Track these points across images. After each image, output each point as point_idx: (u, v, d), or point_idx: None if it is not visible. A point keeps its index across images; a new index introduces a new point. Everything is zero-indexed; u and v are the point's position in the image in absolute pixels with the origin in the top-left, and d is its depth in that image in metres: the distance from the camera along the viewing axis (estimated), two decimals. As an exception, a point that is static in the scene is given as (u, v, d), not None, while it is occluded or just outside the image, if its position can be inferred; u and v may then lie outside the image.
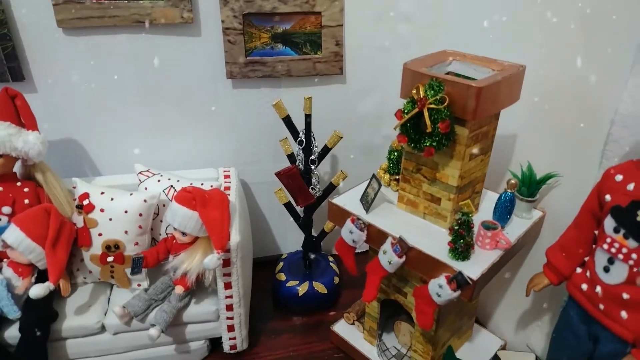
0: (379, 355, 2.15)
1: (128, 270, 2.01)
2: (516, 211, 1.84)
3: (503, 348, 2.21)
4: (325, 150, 2.23)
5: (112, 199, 2.00)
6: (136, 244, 2.03)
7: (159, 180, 2.16)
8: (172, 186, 2.13)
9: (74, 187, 2.08)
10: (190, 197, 1.93)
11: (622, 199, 1.33)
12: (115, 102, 2.26)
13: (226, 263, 1.95)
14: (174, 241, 2.03)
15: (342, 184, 2.29)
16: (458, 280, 1.54)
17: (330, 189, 2.34)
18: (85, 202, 1.99)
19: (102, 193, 2.02)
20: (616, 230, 1.33)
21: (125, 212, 1.98)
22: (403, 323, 2.14)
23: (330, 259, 2.72)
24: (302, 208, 2.42)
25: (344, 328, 2.33)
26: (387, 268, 1.73)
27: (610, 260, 1.35)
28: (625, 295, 1.32)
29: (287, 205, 2.41)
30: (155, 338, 1.91)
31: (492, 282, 2.24)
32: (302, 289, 2.48)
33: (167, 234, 2.13)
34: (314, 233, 2.53)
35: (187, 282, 1.96)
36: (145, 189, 2.13)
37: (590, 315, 1.43)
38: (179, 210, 1.91)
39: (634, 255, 1.29)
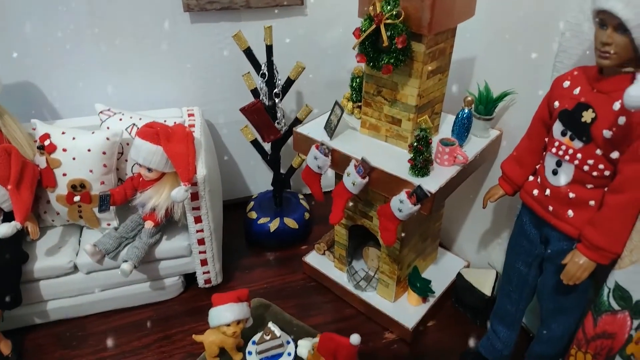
0: (349, 280, 2.24)
1: (96, 210, 2.02)
2: (474, 131, 1.90)
3: (467, 267, 2.33)
4: (289, 82, 2.23)
5: (74, 138, 1.98)
6: (102, 183, 2.03)
7: (120, 119, 2.13)
8: (134, 124, 2.11)
9: (34, 129, 2.04)
10: (153, 132, 1.92)
11: (569, 103, 1.39)
12: (69, 40, 2.18)
13: (194, 197, 1.97)
14: (141, 179, 2.03)
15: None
16: (417, 194, 1.61)
17: (296, 123, 2.34)
18: (47, 142, 1.96)
19: (63, 133, 1.99)
20: (563, 134, 1.40)
21: (89, 150, 1.96)
22: (371, 248, 2.22)
23: (301, 196, 2.76)
24: (270, 145, 2.44)
25: (315, 258, 2.41)
26: (352, 190, 1.78)
27: (558, 163, 1.42)
28: (571, 195, 1.40)
29: (254, 143, 2.42)
30: (128, 272, 1.94)
31: (454, 208, 2.34)
32: (274, 225, 2.53)
33: (133, 173, 2.13)
34: (283, 170, 2.56)
35: (156, 217, 1.98)
36: (108, 127, 2.11)
37: (541, 219, 1.52)
38: (142, 146, 1.91)
39: (579, 155, 1.36)
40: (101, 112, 2.16)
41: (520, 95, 1.86)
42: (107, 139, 1.98)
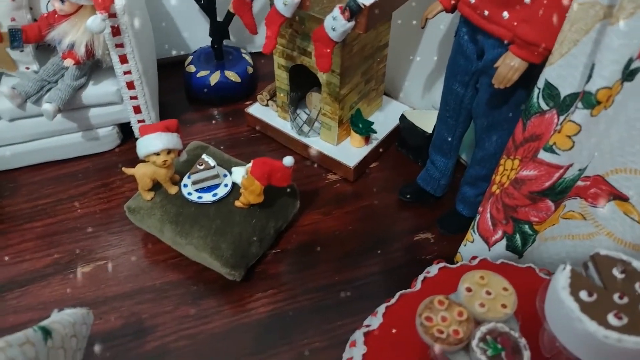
0: (292, 127, 2.20)
1: (9, 49, 1.85)
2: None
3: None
4: None
5: (-30, -33, 1.75)
6: (13, 19, 1.84)
7: (25, -52, 1.88)
8: (42, -47, 1.87)
9: None
10: (60, -44, 1.71)
11: None
12: None
13: (116, 32, 1.81)
14: (56, 15, 1.84)
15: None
16: (351, 7, 1.51)
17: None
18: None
19: (-43, -40, 1.75)
20: None
21: (-10, -20, 1.75)
22: (314, 94, 2.15)
23: (244, 51, 2.62)
24: (203, -13, 2.25)
25: (258, 110, 2.33)
26: (283, 11, 1.67)
27: (494, -40, 1.33)
28: (506, -7, 1.33)
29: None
30: (52, 113, 1.82)
31: (399, 54, 2.26)
32: (214, 78, 2.41)
33: (48, 11, 1.93)
34: (220, 18, 2.39)
35: (76, 55, 1.83)
36: (11, -43, 1.86)
37: (477, 28, 1.46)
38: (50, -29, 1.70)
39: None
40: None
41: None
42: (11, -33, 1.76)
